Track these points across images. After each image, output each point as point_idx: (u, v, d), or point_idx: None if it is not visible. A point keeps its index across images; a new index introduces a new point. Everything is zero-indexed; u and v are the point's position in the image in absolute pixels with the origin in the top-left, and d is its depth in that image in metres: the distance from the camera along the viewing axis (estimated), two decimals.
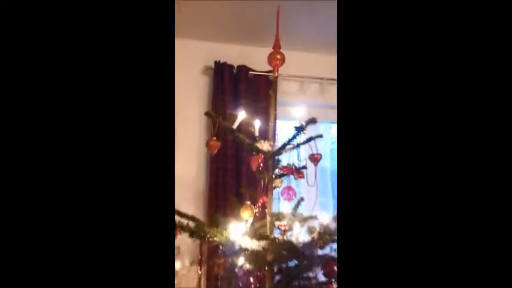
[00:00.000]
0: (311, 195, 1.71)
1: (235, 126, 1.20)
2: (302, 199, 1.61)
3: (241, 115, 1.23)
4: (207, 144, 1.15)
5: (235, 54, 2.07)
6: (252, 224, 1.42)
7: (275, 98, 1.28)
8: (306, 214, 1.50)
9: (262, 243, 1.01)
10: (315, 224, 1.35)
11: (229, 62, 2.04)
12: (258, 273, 1.20)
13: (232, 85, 2.02)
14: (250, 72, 2.06)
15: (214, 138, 1.15)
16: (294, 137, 1.17)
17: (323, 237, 0.98)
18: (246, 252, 0.98)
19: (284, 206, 1.49)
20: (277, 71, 1.31)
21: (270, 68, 2.11)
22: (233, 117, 1.23)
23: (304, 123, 1.11)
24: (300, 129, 1.11)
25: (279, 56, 1.29)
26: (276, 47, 1.30)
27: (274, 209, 1.34)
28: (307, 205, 1.61)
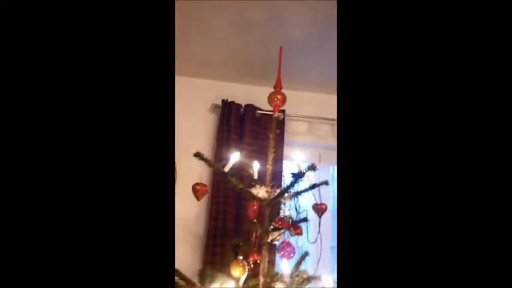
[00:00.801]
0: (319, 249, 1.51)
1: (227, 169, 1.08)
2: (307, 254, 1.41)
3: (234, 157, 1.12)
4: (193, 189, 1.03)
5: (243, 93, 2.04)
6: (246, 282, 1.23)
7: (274, 139, 1.16)
8: (310, 273, 1.29)
9: None
10: (319, 286, 1.15)
11: (237, 101, 2.00)
12: None
13: (238, 123, 1.96)
14: (258, 112, 2.00)
15: (202, 182, 1.04)
16: (292, 185, 1.03)
17: None
18: None
19: (286, 263, 1.30)
20: (278, 111, 1.22)
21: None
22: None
23: (305, 169, 0.97)
24: (298, 176, 0.98)
25: (279, 96, 1.21)
26: (277, 86, 1.23)
27: (277, 264, 1.16)
28: (314, 261, 1.40)
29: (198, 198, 1.03)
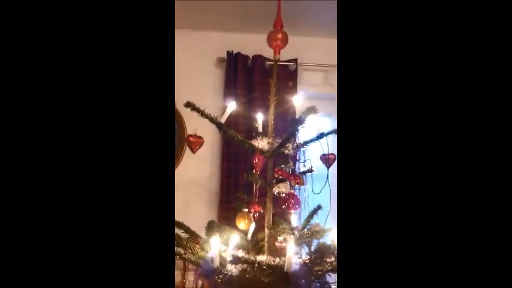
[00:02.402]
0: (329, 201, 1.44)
1: (223, 120, 1.01)
2: (320, 207, 1.35)
3: (231, 107, 1.04)
4: (187, 141, 0.98)
5: (251, 44, 1.88)
6: (254, 235, 1.22)
7: (275, 85, 1.05)
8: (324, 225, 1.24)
9: (243, 266, 0.80)
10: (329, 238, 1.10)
11: (243, 53, 1.86)
12: None
13: (246, 76, 1.84)
14: (267, 63, 1.85)
15: (196, 133, 0.98)
16: (292, 133, 0.94)
17: (319, 261, 0.73)
18: (220, 276, 0.79)
19: (296, 216, 1.25)
20: (279, 53, 1.08)
21: (290, 56, 1.90)
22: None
23: (303, 114, 0.87)
24: (297, 123, 0.88)
25: (280, 35, 1.06)
26: (277, 25, 1.08)
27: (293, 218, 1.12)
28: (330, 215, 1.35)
29: (193, 151, 0.98)
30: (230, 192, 1.79)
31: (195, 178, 1.92)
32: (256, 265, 0.79)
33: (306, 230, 1.15)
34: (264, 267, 0.79)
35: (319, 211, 1.31)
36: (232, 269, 0.80)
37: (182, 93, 1.79)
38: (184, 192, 1.87)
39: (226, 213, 1.75)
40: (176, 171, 1.91)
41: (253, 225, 1.19)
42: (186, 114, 1.92)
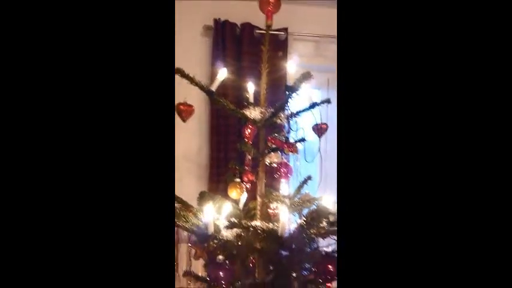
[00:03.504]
0: (328, 172, 1.46)
1: (214, 87, 0.97)
2: (309, 177, 1.37)
3: (222, 74, 1.00)
4: (177, 110, 0.94)
5: (239, 11, 1.79)
6: (246, 204, 1.23)
7: (267, 52, 1.02)
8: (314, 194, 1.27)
9: (238, 231, 0.81)
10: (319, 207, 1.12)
11: (231, 20, 1.77)
12: (251, 260, 1.03)
13: (234, 46, 1.77)
14: (256, 31, 1.78)
15: (186, 101, 0.95)
16: (286, 100, 0.92)
17: (314, 225, 0.75)
18: (215, 241, 0.80)
19: (287, 186, 1.27)
20: (272, 18, 1.03)
21: (280, 25, 1.83)
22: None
23: (297, 81, 0.85)
24: (291, 90, 0.86)
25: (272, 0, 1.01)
26: None
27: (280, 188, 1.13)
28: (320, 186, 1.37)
29: (183, 119, 0.95)
30: (220, 165, 1.79)
31: (183, 151, 1.89)
32: (252, 230, 0.80)
33: (296, 199, 1.18)
34: (259, 231, 0.80)
35: (309, 181, 1.33)
36: (227, 235, 0.81)
37: None
38: None
39: (216, 186, 1.76)
40: None
41: (244, 195, 1.20)
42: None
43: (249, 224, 0.81)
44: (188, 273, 1.19)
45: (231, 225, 0.81)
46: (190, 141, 1.89)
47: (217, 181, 1.78)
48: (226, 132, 1.79)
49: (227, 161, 1.77)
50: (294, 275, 0.89)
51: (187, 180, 1.88)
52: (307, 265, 0.94)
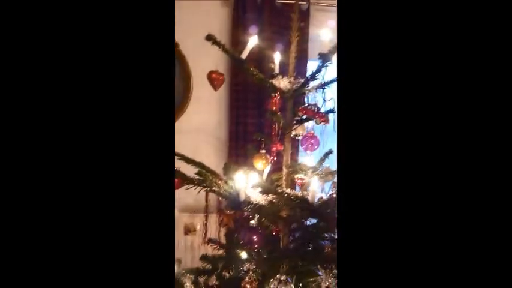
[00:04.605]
0: None
1: (244, 55, 0.96)
2: (331, 151, 1.37)
3: (253, 41, 0.98)
4: (209, 78, 0.94)
5: None
6: (269, 175, 1.25)
7: (297, 19, 0.98)
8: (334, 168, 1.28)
9: (270, 197, 0.83)
10: None
11: None
12: (274, 229, 1.07)
13: (255, 16, 1.72)
14: (278, 1, 1.72)
15: (217, 70, 0.94)
16: (319, 69, 0.90)
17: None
18: (250, 206, 0.82)
19: (310, 158, 1.28)
20: None
21: None
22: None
23: (330, 50, 0.83)
24: (325, 58, 0.84)
25: None
26: None
27: (301, 161, 1.15)
28: None
29: (215, 88, 0.95)
30: (239, 139, 1.80)
31: (201, 125, 1.90)
32: (285, 196, 0.82)
33: (319, 171, 1.19)
34: (292, 197, 0.82)
35: (330, 155, 1.34)
36: (260, 201, 0.83)
37: (186, 35, 1.69)
38: (191, 140, 1.87)
39: (236, 159, 1.78)
40: (182, 117, 1.88)
41: (268, 167, 1.22)
42: (190, 57, 1.83)
43: (283, 190, 0.83)
44: (211, 241, 1.24)
45: (266, 191, 0.83)
46: (208, 114, 1.89)
47: (236, 155, 1.80)
48: (246, 106, 1.78)
49: (246, 134, 1.78)
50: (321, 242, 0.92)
51: (205, 155, 1.89)
52: (332, 235, 0.97)
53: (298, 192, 0.90)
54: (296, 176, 1.05)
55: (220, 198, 1.00)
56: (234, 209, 0.87)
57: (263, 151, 1.13)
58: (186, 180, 0.91)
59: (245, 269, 1.09)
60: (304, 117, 1.02)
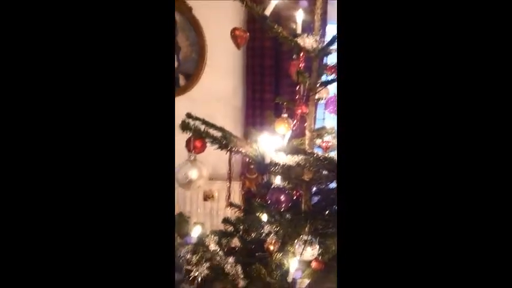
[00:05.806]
0: None
1: (268, 12, 0.90)
2: None
3: None
4: (232, 36, 0.90)
5: None
6: (290, 141, 1.24)
7: None
8: None
9: (297, 158, 0.82)
10: None
11: None
12: (295, 192, 1.07)
13: None
14: None
15: (241, 27, 0.89)
16: None
17: None
18: (277, 168, 0.82)
19: (330, 122, 1.25)
20: None
21: None
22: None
23: None
24: None
25: None
26: None
27: (318, 125, 1.12)
28: None
29: (238, 46, 0.91)
30: (255, 107, 1.77)
31: (217, 92, 1.87)
32: (314, 156, 0.81)
33: None
34: (321, 158, 0.81)
35: None
36: (288, 161, 0.82)
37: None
38: (207, 107, 1.85)
39: (253, 128, 1.76)
40: (198, 84, 1.85)
41: (289, 132, 1.20)
42: (204, 21, 1.76)
43: (312, 151, 0.81)
44: (231, 205, 1.26)
45: (295, 151, 0.81)
46: (224, 81, 1.85)
47: (253, 123, 1.78)
48: (262, 72, 1.73)
49: (263, 102, 1.75)
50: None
51: (222, 123, 1.88)
52: None
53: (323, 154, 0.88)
54: (321, 139, 1.03)
55: (243, 162, 1.00)
56: (260, 171, 0.86)
57: (285, 115, 1.11)
58: (213, 140, 0.88)
59: (266, 231, 1.12)
60: (330, 78, 0.97)
